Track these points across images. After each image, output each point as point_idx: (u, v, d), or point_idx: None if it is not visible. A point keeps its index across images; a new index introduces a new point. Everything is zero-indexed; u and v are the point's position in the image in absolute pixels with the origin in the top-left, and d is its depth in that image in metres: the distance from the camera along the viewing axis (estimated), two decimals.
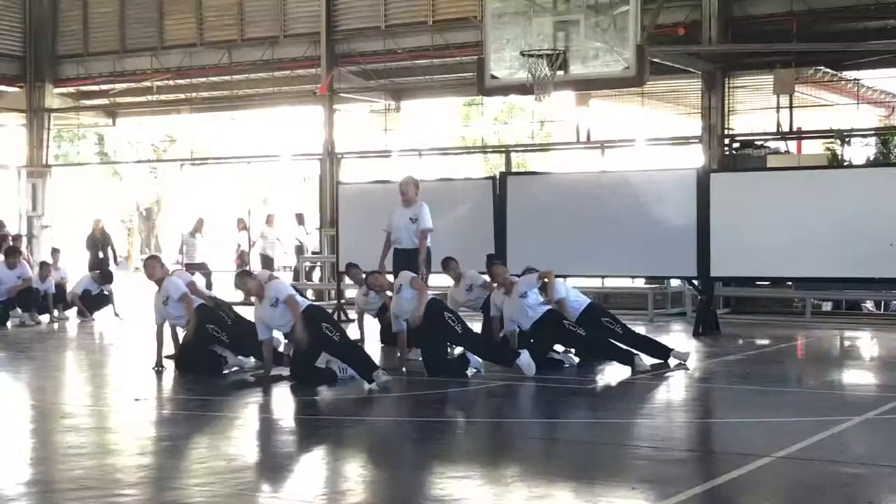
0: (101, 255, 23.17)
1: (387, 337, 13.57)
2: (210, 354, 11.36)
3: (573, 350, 11.84)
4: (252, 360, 11.47)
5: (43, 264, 18.83)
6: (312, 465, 7.44)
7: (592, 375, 11.20)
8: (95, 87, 26.00)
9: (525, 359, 10.78)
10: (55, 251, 20.00)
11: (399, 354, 11.68)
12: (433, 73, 21.96)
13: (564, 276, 11.92)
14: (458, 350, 11.63)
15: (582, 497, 6.36)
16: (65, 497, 6.29)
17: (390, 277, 12.38)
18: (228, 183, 29.30)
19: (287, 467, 7.18)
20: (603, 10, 14.99)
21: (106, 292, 18.40)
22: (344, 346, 10.48)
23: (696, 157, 19.54)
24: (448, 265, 13.15)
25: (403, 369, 11.31)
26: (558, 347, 11.83)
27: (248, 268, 16.96)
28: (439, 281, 13.83)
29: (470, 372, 10.91)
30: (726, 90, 19.09)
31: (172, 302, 11.49)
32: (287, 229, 24.78)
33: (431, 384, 10.55)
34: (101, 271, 19.22)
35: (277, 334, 10.95)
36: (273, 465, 7.16)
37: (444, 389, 10.27)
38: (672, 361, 11.59)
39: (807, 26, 18.46)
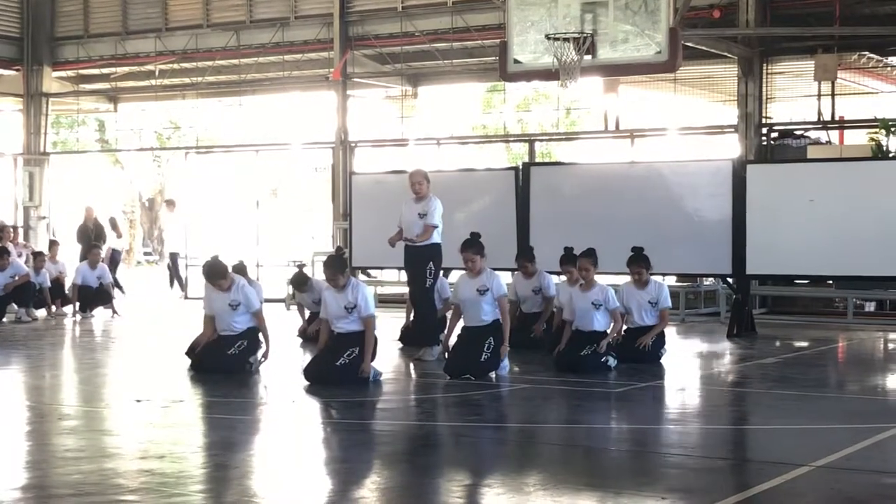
0: None
1: (405, 337, 13.64)
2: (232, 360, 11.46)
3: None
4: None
5: (37, 255, 18.90)
6: (323, 470, 7.46)
7: (621, 379, 11.19)
8: (96, 71, 26.09)
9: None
10: (54, 243, 20.09)
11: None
12: (453, 57, 21.97)
13: None
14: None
15: None
16: (63, 503, 6.33)
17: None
18: (236, 172, 29.37)
19: (296, 473, 7.20)
20: None
21: (104, 286, 18.51)
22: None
23: (731, 147, 19.50)
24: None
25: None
26: None
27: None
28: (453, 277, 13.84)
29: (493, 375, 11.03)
30: (764, 76, 19.04)
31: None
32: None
33: (449, 387, 10.57)
34: (90, 254, 19.17)
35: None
36: (281, 471, 7.18)
37: (463, 392, 10.28)
38: None
39: (850, 9, 18.38)
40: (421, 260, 12.44)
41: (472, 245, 11.31)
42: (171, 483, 6.83)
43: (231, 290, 11.51)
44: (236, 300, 11.47)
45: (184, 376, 11.29)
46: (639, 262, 12.33)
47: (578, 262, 12.00)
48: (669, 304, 12.49)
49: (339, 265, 10.87)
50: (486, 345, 10.92)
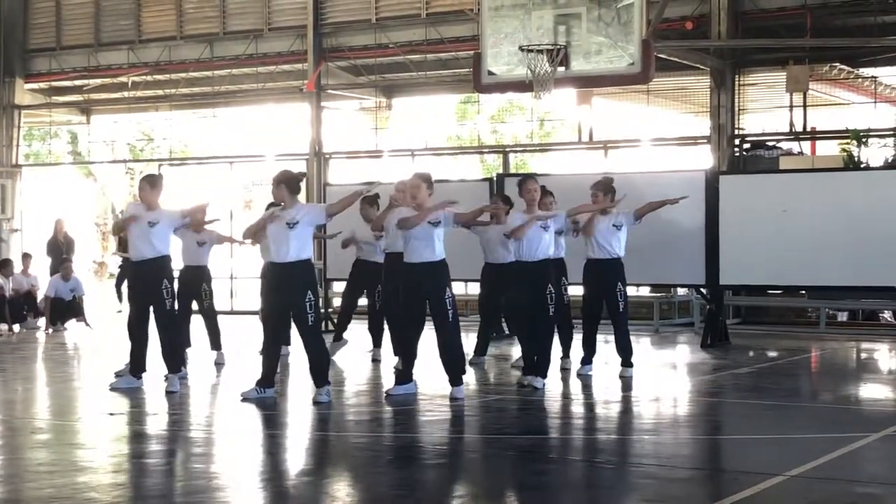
0: None
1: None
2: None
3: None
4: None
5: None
6: (296, 484, 7.44)
7: (594, 389, 11.21)
8: (68, 83, 25.97)
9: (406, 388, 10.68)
10: (27, 256, 19.98)
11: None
12: (426, 68, 21.99)
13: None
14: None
15: None
16: None
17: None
18: (209, 184, 29.29)
19: (268, 486, 7.18)
20: (606, 2, 15.06)
21: (77, 299, 18.37)
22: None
23: (704, 158, 19.56)
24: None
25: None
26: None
27: None
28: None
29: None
30: (736, 88, 19.12)
31: None
32: None
33: (422, 401, 10.53)
34: (62, 266, 18.95)
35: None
36: (252, 484, 7.15)
37: (435, 405, 10.26)
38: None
39: (821, 20, 18.50)
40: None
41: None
42: (145, 496, 6.80)
43: (154, 211, 10.95)
44: (155, 220, 10.89)
45: (156, 389, 11.22)
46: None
47: (526, 185, 11.69)
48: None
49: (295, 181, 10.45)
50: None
